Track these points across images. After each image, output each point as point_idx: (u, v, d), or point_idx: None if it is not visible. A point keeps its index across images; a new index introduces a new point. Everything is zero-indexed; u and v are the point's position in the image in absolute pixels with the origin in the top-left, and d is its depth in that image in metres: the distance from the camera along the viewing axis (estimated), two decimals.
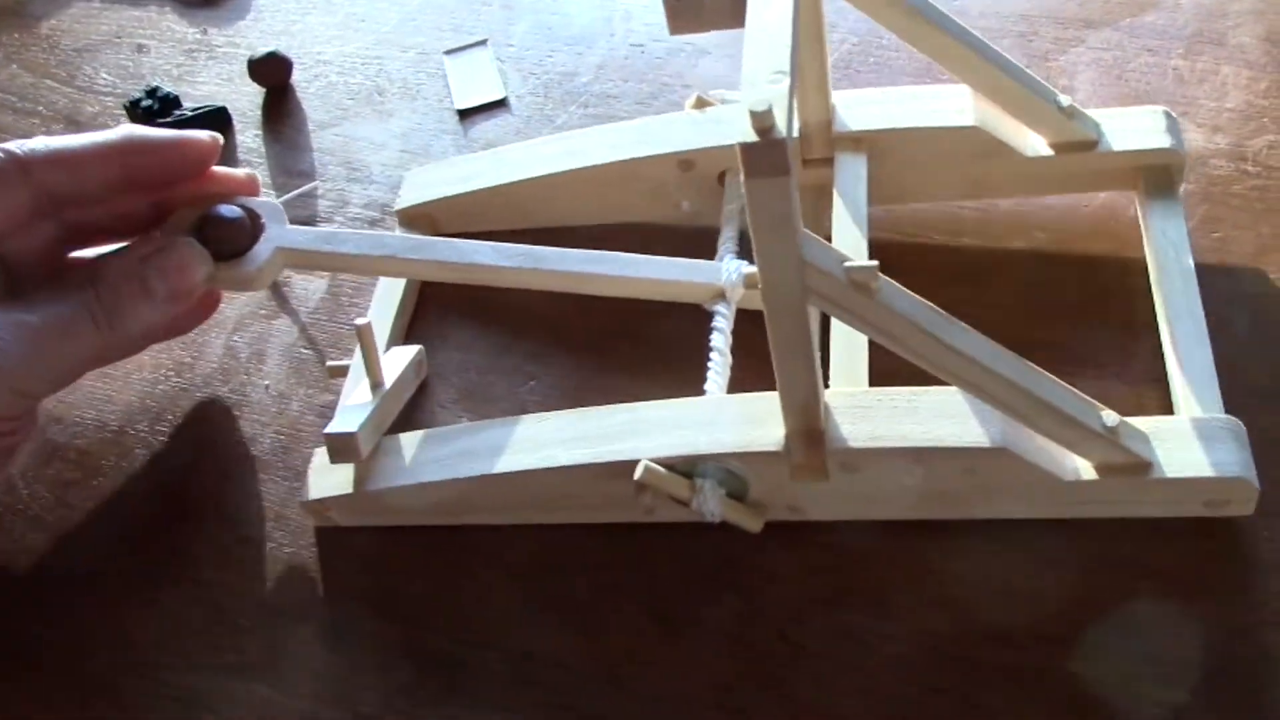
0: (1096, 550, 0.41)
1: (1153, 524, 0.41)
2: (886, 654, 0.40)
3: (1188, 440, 0.39)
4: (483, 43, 0.63)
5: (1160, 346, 0.44)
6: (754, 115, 0.31)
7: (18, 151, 0.44)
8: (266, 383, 0.51)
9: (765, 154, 0.31)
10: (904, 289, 0.36)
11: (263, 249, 0.45)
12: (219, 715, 0.42)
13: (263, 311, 0.53)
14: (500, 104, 0.60)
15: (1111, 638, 0.39)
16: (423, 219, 0.54)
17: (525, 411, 0.45)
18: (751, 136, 0.31)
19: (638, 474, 0.40)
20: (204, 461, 0.49)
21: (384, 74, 0.63)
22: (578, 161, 0.51)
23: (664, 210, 0.51)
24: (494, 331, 0.51)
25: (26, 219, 0.44)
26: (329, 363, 0.49)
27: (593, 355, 0.49)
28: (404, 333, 0.51)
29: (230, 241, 0.45)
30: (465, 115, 0.60)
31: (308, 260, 0.46)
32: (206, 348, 0.52)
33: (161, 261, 0.44)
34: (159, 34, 0.67)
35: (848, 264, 0.35)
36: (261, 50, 0.62)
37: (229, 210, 0.46)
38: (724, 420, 0.41)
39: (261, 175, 0.58)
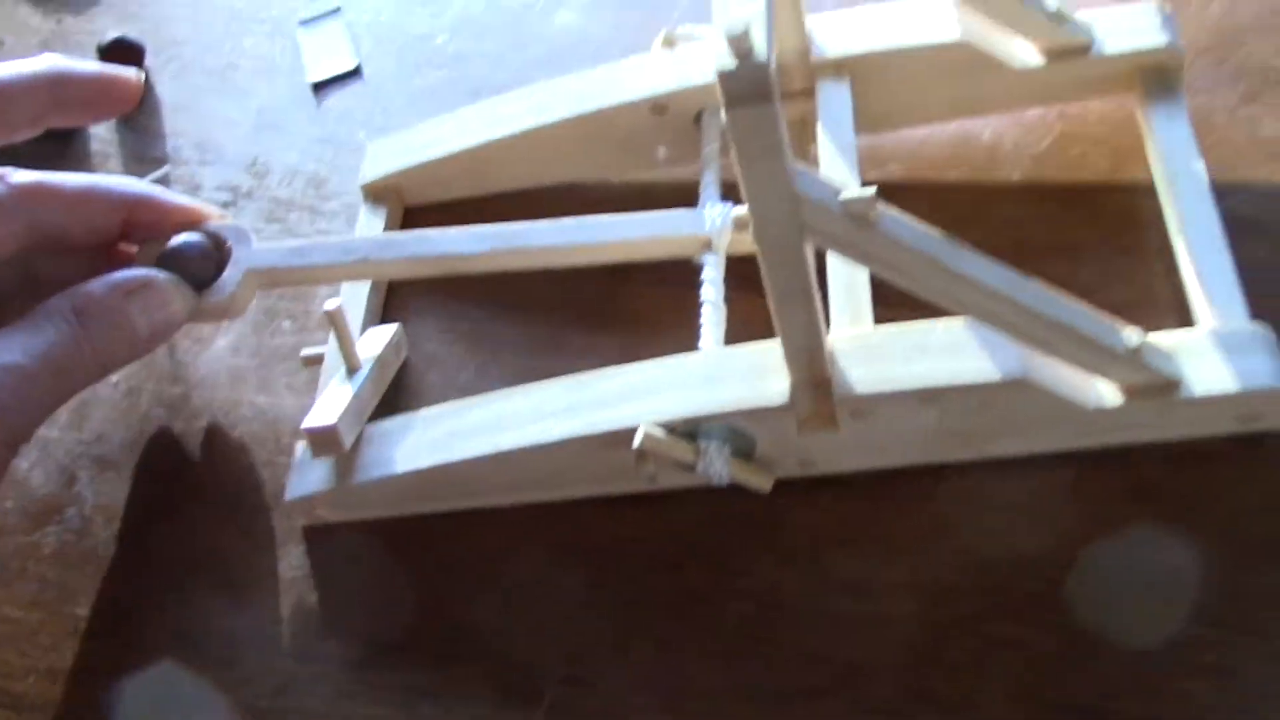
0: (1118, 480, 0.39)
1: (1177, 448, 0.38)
2: (896, 599, 0.38)
3: (1213, 353, 0.37)
4: (336, 10, 0.60)
5: (1175, 264, 0.41)
6: (731, 39, 0.29)
7: None
8: (115, 379, 0.49)
9: (747, 79, 0.29)
10: (903, 217, 0.34)
11: (232, 274, 0.43)
12: None
13: None
14: (354, 73, 0.58)
15: (1138, 562, 0.37)
16: (388, 191, 0.51)
17: (515, 384, 0.42)
18: (731, 63, 0.29)
19: (637, 441, 0.37)
20: (47, 462, 0.47)
21: (238, 50, 0.60)
22: (542, 118, 0.48)
23: (639, 160, 0.49)
24: (477, 303, 0.48)
25: None
26: (303, 351, 0.47)
27: (579, 322, 0.47)
28: (379, 311, 0.49)
29: (199, 272, 0.43)
30: (319, 88, 0.58)
31: (280, 278, 0.44)
32: None
33: (146, 299, 0.41)
34: (14, 28, 0.64)
35: (843, 195, 0.32)
36: (109, 36, 0.59)
37: (193, 239, 0.44)
38: (724, 376, 0.38)
39: (115, 165, 0.57)
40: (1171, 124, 0.44)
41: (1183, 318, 0.41)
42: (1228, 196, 0.42)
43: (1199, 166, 0.42)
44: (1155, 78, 0.45)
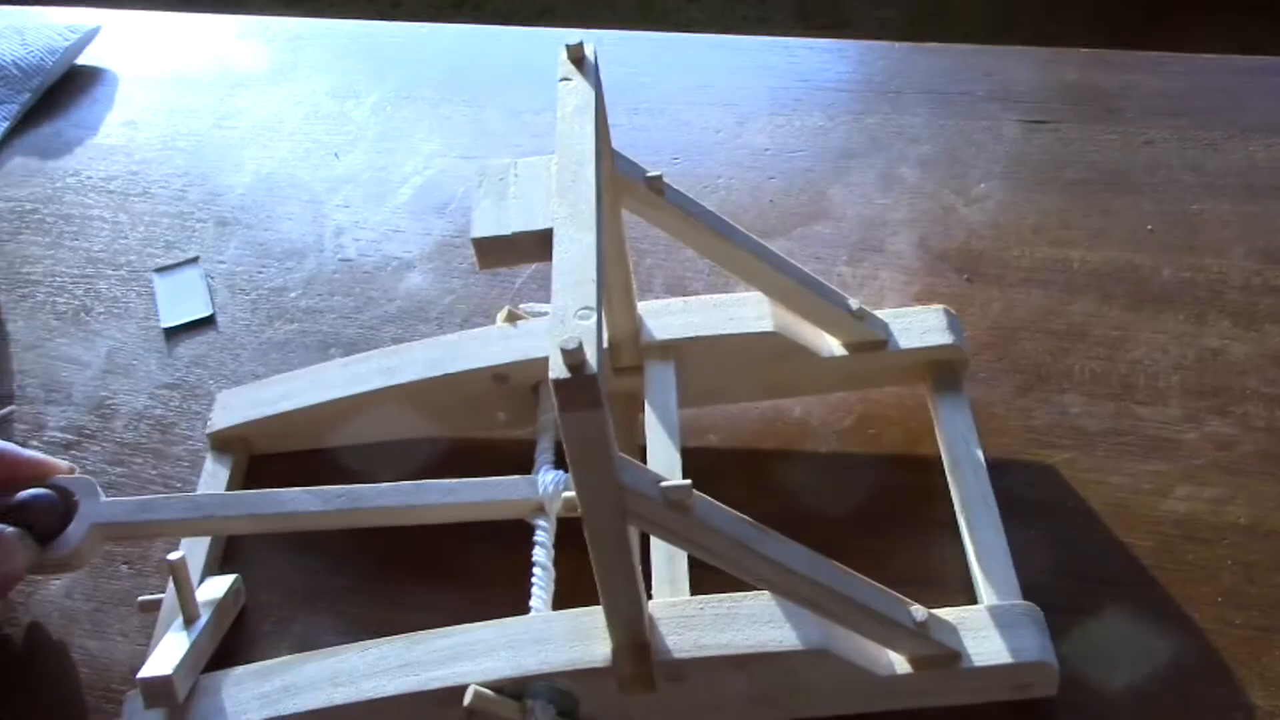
0: None
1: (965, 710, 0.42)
2: None
3: (990, 629, 0.42)
4: (194, 260, 0.63)
5: (960, 536, 0.46)
6: (565, 353, 0.32)
7: None
8: None
9: (578, 389, 0.33)
10: (718, 504, 0.38)
11: (77, 528, 0.45)
12: None
13: None
14: (208, 321, 0.60)
15: None
16: (236, 440, 0.53)
17: (349, 639, 0.44)
18: (564, 373, 0.33)
19: (467, 700, 0.39)
20: None
21: (93, 292, 0.63)
22: (393, 379, 0.51)
23: (481, 422, 0.52)
24: (312, 556, 0.50)
25: None
26: (140, 598, 0.48)
27: (415, 576, 0.49)
28: (219, 560, 0.50)
29: (45, 525, 0.45)
30: (172, 333, 0.60)
31: (125, 532, 0.46)
32: None
33: None
34: None
35: (663, 484, 0.36)
36: None
37: (40, 493, 0.46)
38: (551, 638, 0.41)
39: None
40: (955, 412, 0.49)
41: (966, 586, 0.45)
42: (1004, 478, 0.48)
43: (979, 453, 0.48)
44: (942, 370, 0.50)
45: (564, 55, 0.43)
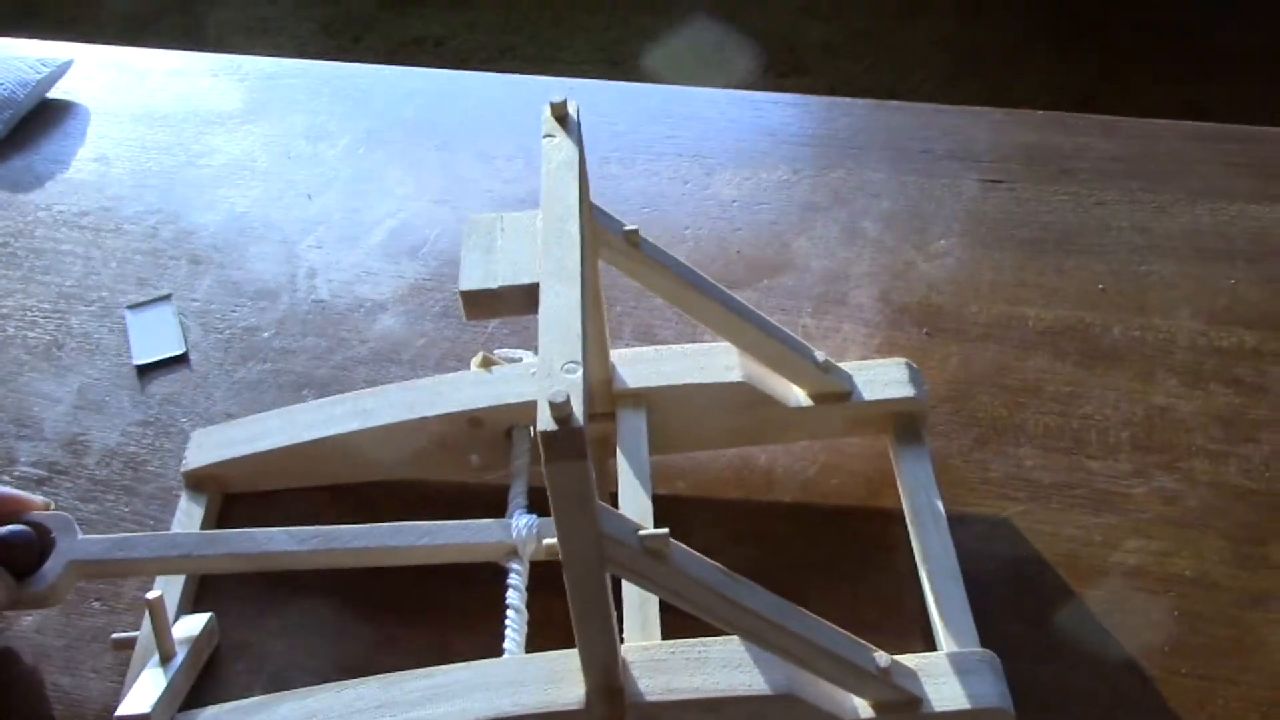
0: None
1: None
2: None
3: (950, 675, 0.43)
4: (167, 298, 0.64)
5: (921, 584, 0.48)
6: (553, 405, 0.34)
7: None
8: None
9: (565, 441, 0.34)
10: (693, 552, 0.39)
11: (54, 565, 0.46)
12: None
13: None
14: (180, 359, 0.61)
15: None
16: (210, 479, 0.54)
17: (323, 680, 0.45)
18: (551, 425, 0.34)
19: None
20: None
21: (64, 328, 0.63)
22: (369, 421, 0.52)
23: (454, 465, 0.53)
24: (287, 597, 0.51)
25: None
26: (114, 635, 0.48)
27: (389, 618, 0.50)
28: (194, 598, 0.51)
29: (21, 561, 0.46)
30: (144, 371, 0.61)
31: (102, 569, 0.46)
32: None
33: None
34: None
35: (642, 533, 0.38)
36: None
37: (17, 529, 0.46)
38: (525, 680, 0.42)
39: None
40: (916, 463, 0.51)
41: (927, 633, 0.47)
42: (961, 528, 0.50)
43: (939, 503, 0.49)
44: (903, 422, 0.52)
45: (548, 113, 0.45)
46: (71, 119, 0.77)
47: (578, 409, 0.34)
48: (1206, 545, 0.50)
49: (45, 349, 0.62)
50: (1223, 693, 0.46)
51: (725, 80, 1.70)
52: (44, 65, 0.78)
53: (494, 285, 0.40)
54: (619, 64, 1.81)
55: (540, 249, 0.40)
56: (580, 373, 0.35)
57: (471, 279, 0.40)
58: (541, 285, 0.38)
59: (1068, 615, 0.48)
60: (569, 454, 0.34)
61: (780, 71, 1.74)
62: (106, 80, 0.80)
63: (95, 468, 0.56)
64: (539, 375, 0.36)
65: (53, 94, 0.79)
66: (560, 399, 0.34)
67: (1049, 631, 0.48)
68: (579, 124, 0.44)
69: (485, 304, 0.40)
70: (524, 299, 0.39)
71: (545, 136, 0.44)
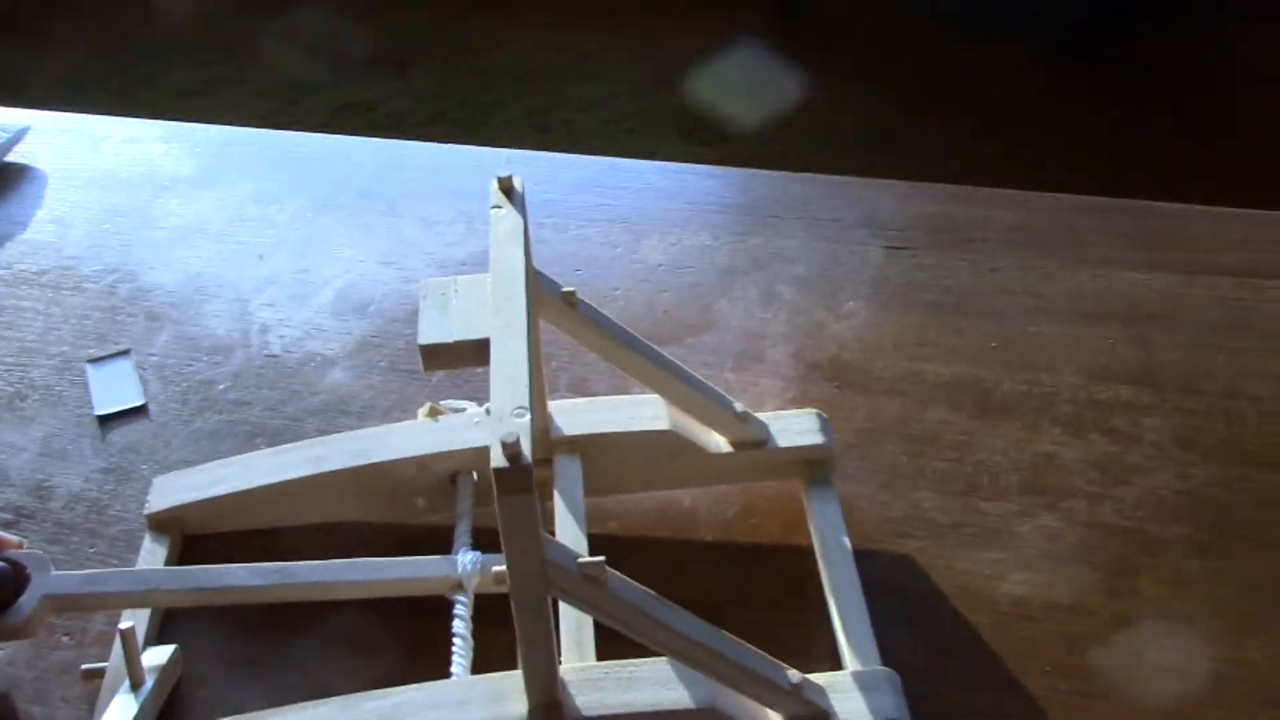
0: None
1: None
2: None
3: (854, 691, 0.48)
4: (125, 352, 0.68)
5: (828, 614, 0.53)
6: (505, 445, 0.38)
7: None
8: None
9: (515, 476, 0.39)
10: (626, 578, 0.44)
11: (29, 599, 0.49)
12: None
13: None
14: (140, 410, 0.65)
15: None
16: (171, 522, 0.57)
17: (280, 703, 0.48)
18: (503, 462, 0.38)
19: None
20: None
21: (26, 381, 0.67)
22: (322, 467, 0.56)
23: (402, 507, 0.57)
24: (245, 629, 0.54)
25: None
26: (84, 666, 0.51)
27: (343, 647, 0.53)
28: (159, 630, 0.54)
29: None
30: (105, 421, 0.64)
31: (75, 603, 0.50)
32: None
33: None
34: None
35: (580, 560, 0.42)
36: None
37: None
38: (472, 699, 0.46)
39: None
40: (826, 505, 0.56)
41: (834, 655, 0.52)
42: (866, 563, 0.55)
43: (846, 540, 0.55)
44: (815, 468, 0.58)
45: (495, 185, 0.50)
46: (28, 182, 0.81)
47: (526, 448, 0.39)
48: (1083, 577, 0.56)
49: (8, 400, 0.65)
50: (1098, 708, 0.51)
51: (646, 147, 1.78)
52: (1, 131, 0.82)
53: (449, 339, 0.44)
54: (546, 130, 1.88)
55: (491, 307, 0.45)
56: (528, 417, 0.40)
57: (429, 334, 0.45)
58: (492, 340, 0.43)
59: (960, 639, 0.54)
60: (519, 488, 0.39)
61: (700, 139, 1.81)
62: (62, 145, 0.84)
63: (61, 511, 0.59)
64: (491, 419, 0.40)
65: (10, 158, 0.82)
66: (511, 439, 0.38)
67: (943, 654, 0.53)
68: (524, 196, 0.49)
69: (442, 356, 0.44)
70: (476, 352, 0.44)
71: (494, 207, 0.49)
